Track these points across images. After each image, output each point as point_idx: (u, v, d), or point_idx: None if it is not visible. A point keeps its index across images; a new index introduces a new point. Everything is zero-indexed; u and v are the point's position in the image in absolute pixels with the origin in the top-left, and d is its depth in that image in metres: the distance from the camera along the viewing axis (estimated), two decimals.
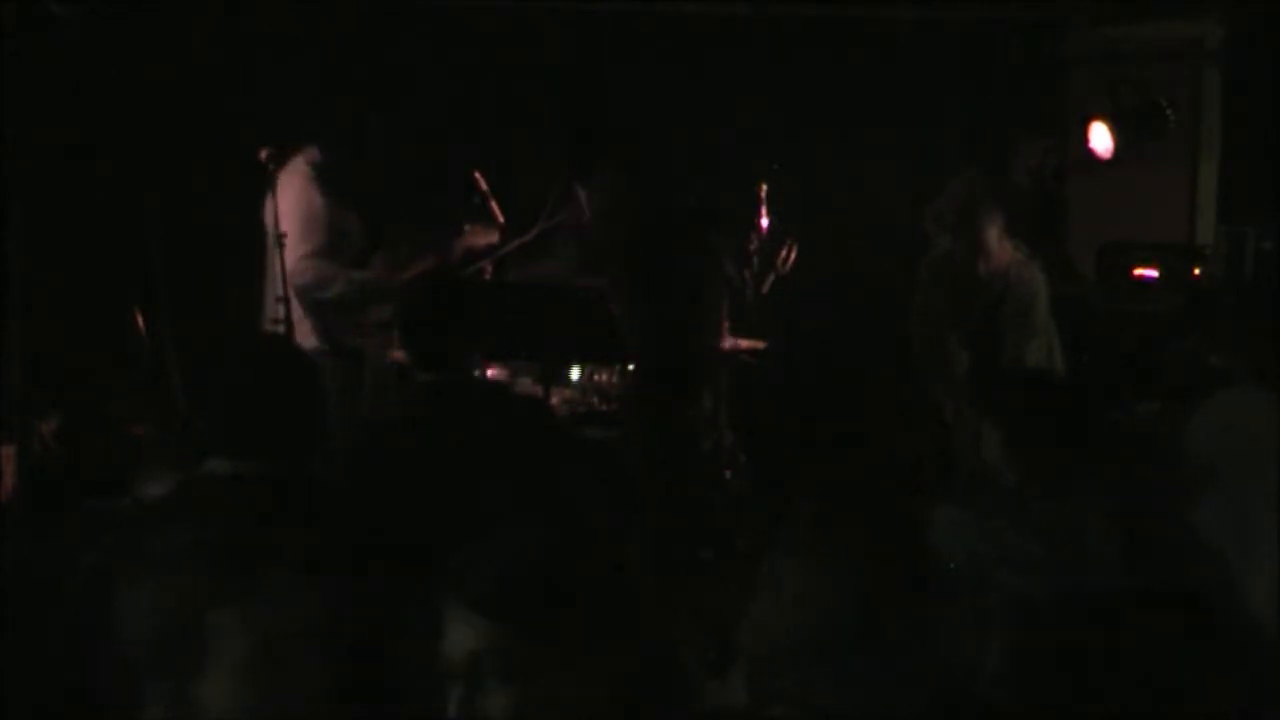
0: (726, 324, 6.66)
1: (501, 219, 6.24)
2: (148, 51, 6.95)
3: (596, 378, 6.53)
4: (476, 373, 5.41)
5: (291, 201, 5.63)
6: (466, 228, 6.09)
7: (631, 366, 6.45)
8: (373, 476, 3.91)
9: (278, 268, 5.52)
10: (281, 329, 5.43)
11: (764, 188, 6.82)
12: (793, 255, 6.82)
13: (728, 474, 6.70)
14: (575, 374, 6.52)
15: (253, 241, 5.89)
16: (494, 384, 5.71)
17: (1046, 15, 7.98)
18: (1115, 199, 7.85)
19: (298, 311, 5.64)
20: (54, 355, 6.10)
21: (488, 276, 6.24)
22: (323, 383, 4.98)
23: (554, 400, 6.13)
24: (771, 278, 6.81)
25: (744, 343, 6.72)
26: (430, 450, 3.91)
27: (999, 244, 5.77)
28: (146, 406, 6.00)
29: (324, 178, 5.73)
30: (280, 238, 5.51)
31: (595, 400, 6.49)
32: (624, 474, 6.07)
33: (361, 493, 3.69)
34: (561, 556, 1.81)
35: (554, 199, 6.40)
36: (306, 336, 5.68)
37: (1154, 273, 7.34)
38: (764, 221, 6.80)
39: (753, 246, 6.79)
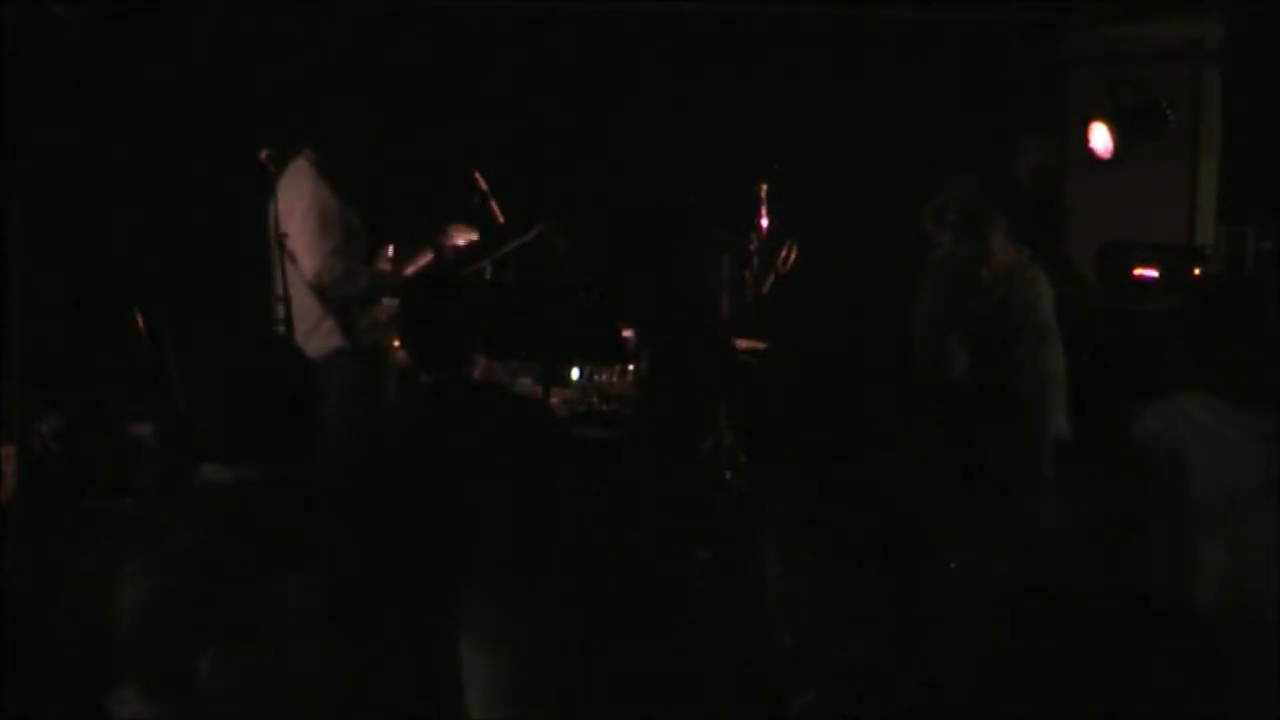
0: (726, 324, 6.67)
1: (502, 219, 6.24)
2: (148, 51, 6.96)
3: (596, 378, 6.53)
4: (476, 373, 5.41)
5: (306, 201, 5.63)
6: (449, 227, 6.08)
7: (632, 366, 6.45)
8: (372, 477, 3.90)
9: (278, 268, 5.52)
10: (281, 329, 5.43)
11: (764, 188, 6.82)
12: (793, 255, 6.82)
13: (728, 474, 6.70)
14: (575, 374, 6.52)
15: (253, 242, 5.89)
16: (494, 384, 5.71)
17: (1046, 15, 7.98)
18: (1115, 199, 7.85)
19: (318, 311, 5.65)
20: (54, 355, 6.10)
21: (488, 276, 6.25)
22: (343, 383, 4.99)
23: (554, 400, 6.13)
24: (771, 278, 6.81)
25: (744, 343, 6.72)
26: (430, 451, 3.91)
27: (1000, 245, 5.77)
28: (146, 406, 6.01)
29: (329, 176, 5.74)
30: (280, 238, 5.51)
31: (595, 400, 6.49)
32: (624, 474, 6.07)
33: (361, 494, 3.69)
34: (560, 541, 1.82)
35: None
36: (330, 335, 5.68)
37: (1154, 273, 7.34)
38: (764, 221, 6.80)
39: (753, 246, 6.79)
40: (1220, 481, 3.49)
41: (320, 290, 5.62)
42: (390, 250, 5.97)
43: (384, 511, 3.46)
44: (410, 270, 5.89)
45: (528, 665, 1.75)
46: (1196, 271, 7.32)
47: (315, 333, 5.60)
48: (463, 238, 6.07)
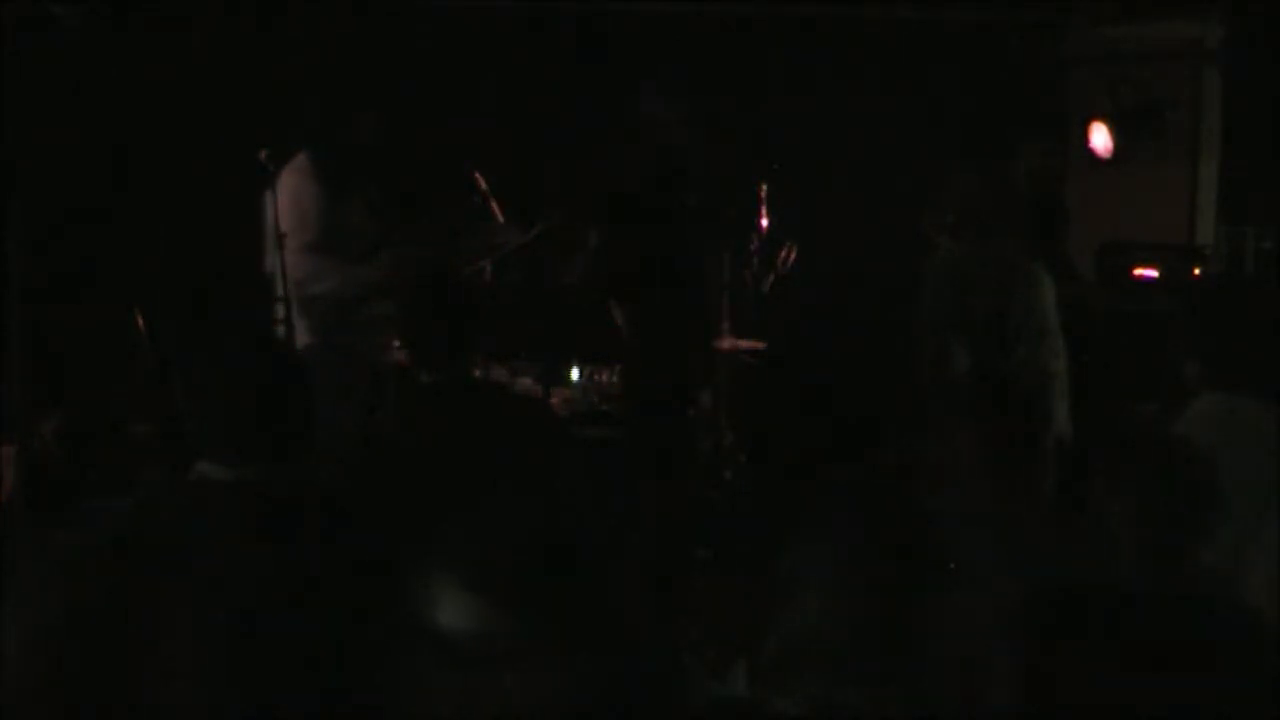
0: (726, 324, 6.67)
1: (501, 219, 6.24)
2: (148, 51, 6.96)
3: (596, 378, 6.54)
4: (477, 373, 5.41)
5: (288, 197, 5.63)
6: (481, 226, 6.07)
7: (632, 366, 6.44)
8: (372, 476, 3.91)
9: (279, 268, 5.52)
10: (281, 329, 5.43)
11: (764, 188, 6.82)
12: (793, 255, 6.82)
13: (728, 474, 6.70)
14: (575, 374, 6.53)
15: (253, 241, 5.89)
16: (494, 384, 5.71)
17: (1046, 15, 7.99)
18: (1115, 199, 7.85)
19: (296, 307, 5.63)
20: (54, 355, 6.10)
21: (488, 276, 6.24)
22: (317, 382, 4.97)
23: (554, 400, 6.13)
24: (771, 278, 6.81)
25: (744, 343, 6.72)
26: (430, 450, 3.91)
27: (1000, 246, 5.77)
28: (146, 406, 6.01)
29: (322, 174, 5.73)
30: (280, 238, 5.51)
31: (595, 400, 6.49)
32: (624, 474, 6.07)
33: (360, 492, 3.69)
34: (558, 537, 1.82)
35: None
36: (300, 334, 5.67)
37: (1154, 273, 7.35)
38: (764, 221, 6.80)
39: (753, 246, 6.79)
40: (1243, 480, 3.49)
41: (288, 284, 5.61)
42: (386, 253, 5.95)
43: (383, 511, 3.46)
44: (409, 276, 5.86)
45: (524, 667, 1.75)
46: (1196, 271, 7.32)
47: (294, 330, 5.60)
48: (494, 239, 6.05)
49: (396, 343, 5.56)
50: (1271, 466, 3.49)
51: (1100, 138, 7.71)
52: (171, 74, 7.01)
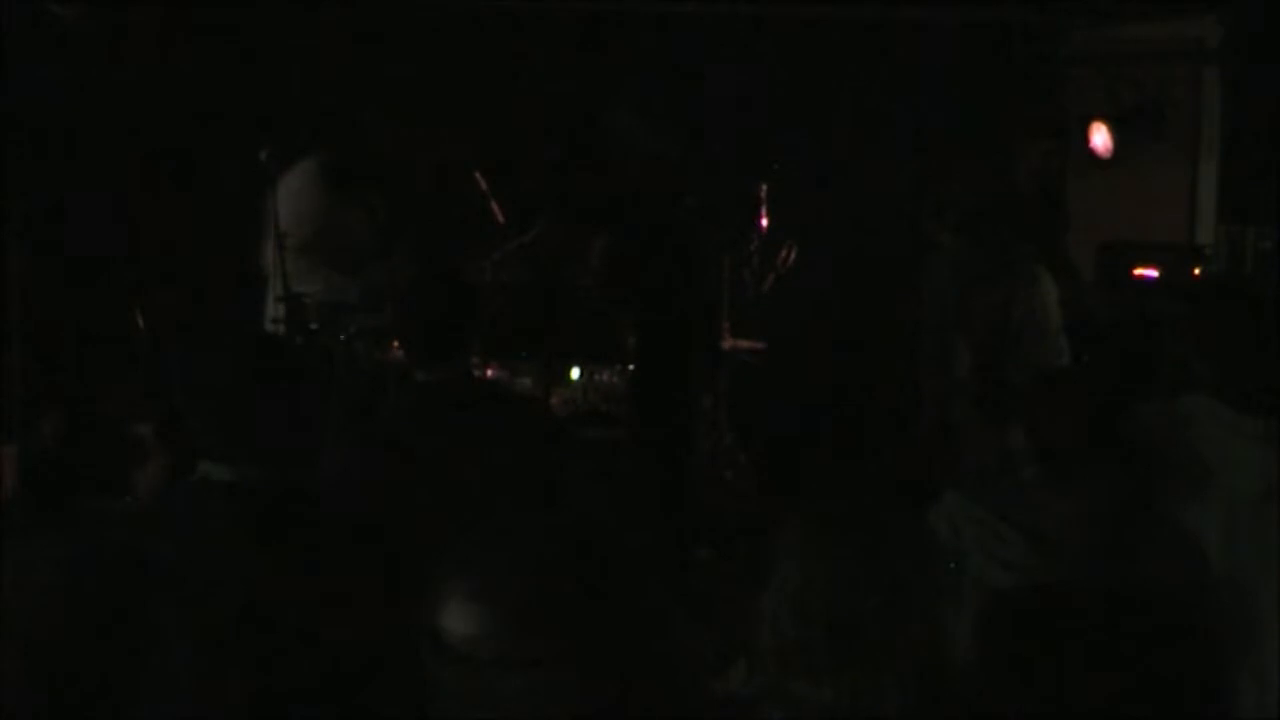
0: (726, 324, 6.67)
1: (501, 219, 6.24)
2: (148, 51, 6.96)
3: (596, 378, 6.54)
4: (476, 373, 5.41)
5: (289, 198, 5.64)
6: (481, 227, 6.08)
7: (632, 366, 6.45)
8: (371, 476, 3.90)
9: (280, 267, 5.52)
10: (281, 329, 5.44)
11: (764, 188, 6.82)
12: (793, 255, 6.82)
13: (728, 474, 6.69)
14: (575, 374, 6.53)
15: (253, 241, 5.89)
16: (494, 384, 5.72)
17: (1046, 15, 7.99)
18: (1115, 199, 7.85)
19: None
20: (54, 355, 6.10)
21: (488, 277, 6.25)
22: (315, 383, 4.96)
23: (554, 400, 6.13)
24: (771, 278, 6.81)
25: (744, 343, 6.72)
26: (429, 450, 3.91)
27: (1000, 245, 5.76)
28: (146, 406, 6.01)
29: (323, 178, 5.74)
30: (281, 238, 5.52)
31: (595, 400, 6.49)
32: (624, 474, 6.08)
33: (360, 492, 3.69)
34: (563, 547, 1.82)
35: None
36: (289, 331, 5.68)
37: (1154, 273, 7.34)
38: (764, 221, 6.80)
39: (753, 246, 6.79)
40: (1219, 486, 3.48)
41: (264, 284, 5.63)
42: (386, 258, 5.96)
43: (382, 511, 3.46)
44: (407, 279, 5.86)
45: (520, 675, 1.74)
46: (1196, 271, 7.32)
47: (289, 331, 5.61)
48: (503, 237, 6.04)
49: (396, 343, 5.56)
50: (1250, 474, 3.48)
51: (1100, 138, 7.71)
52: (172, 74, 7.01)
